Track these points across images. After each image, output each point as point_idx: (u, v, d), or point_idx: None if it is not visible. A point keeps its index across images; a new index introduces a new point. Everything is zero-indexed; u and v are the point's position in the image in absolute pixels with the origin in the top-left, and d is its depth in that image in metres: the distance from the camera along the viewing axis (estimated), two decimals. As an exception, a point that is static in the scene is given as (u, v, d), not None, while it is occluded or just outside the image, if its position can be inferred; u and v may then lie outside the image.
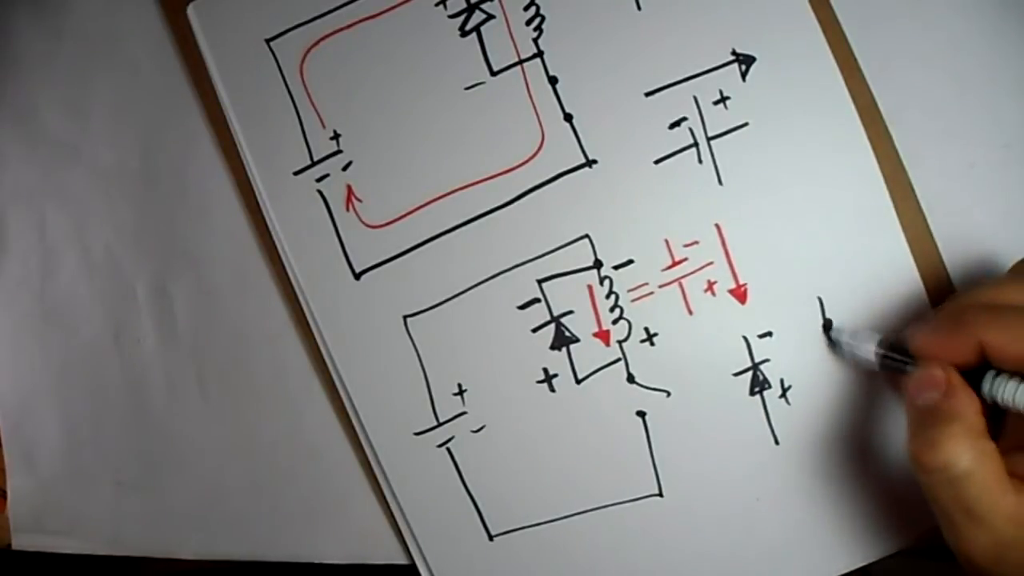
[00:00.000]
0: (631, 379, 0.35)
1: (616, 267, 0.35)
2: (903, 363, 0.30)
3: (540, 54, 0.34)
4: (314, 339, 0.37)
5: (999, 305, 0.28)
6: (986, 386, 0.27)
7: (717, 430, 0.35)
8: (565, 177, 0.35)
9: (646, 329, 0.35)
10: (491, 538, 0.37)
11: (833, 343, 0.34)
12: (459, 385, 0.36)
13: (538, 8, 0.34)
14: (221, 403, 0.39)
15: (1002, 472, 0.26)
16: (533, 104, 0.34)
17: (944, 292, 0.34)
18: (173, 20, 0.37)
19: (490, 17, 0.34)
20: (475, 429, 0.36)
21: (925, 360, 0.29)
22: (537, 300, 0.35)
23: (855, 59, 0.34)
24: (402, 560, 0.38)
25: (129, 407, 0.39)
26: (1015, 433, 0.30)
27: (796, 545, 0.36)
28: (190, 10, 0.36)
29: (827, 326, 0.34)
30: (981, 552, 0.26)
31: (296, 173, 0.36)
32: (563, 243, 0.35)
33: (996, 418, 0.28)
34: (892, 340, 0.31)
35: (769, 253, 0.34)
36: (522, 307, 0.35)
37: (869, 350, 0.32)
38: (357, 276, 0.36)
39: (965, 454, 0.25)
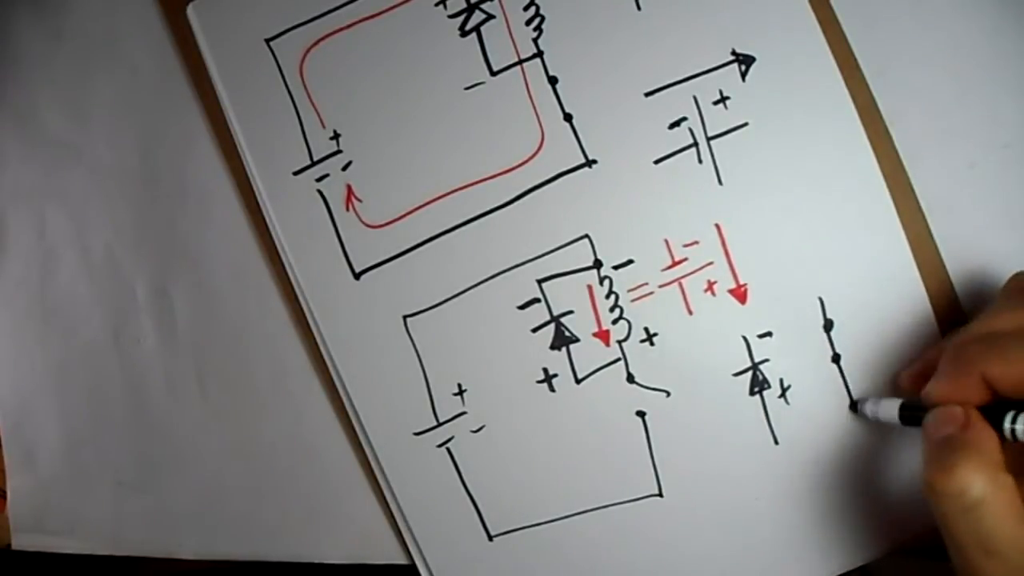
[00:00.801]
0: (631, 379, 0.35)
1: (616, 267, 0.35)
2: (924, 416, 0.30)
3: (540, 54, 0.34)
4: (314, 339, 0.37)
5: (994, 334, 0.28)
6: (1006, 423, 0.27)
7: (717, 430, 0.35)
8: (565, 177, 0.35)
9: (646, 329, 0.35)
10: (491, 538, 0.37)
11: (858, 414, 0.34)
12: (459, 385, 0.36)
13: (538, 8, 0.34)
14: (221, 403, 0.39)
15: (1018, 503, 0.25)
16: (533, 104, 0.34)
17: (945, 291, 0.34)
18: (173, 20, 0.37)
19: (490, 17, 0.34)
20: (475, 429, 0.36)
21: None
22: (537, 300, 0.35)
23: (855, 59, 0.34)
24: (402, 560, 0.38)
25: (129, 407, 0.39)
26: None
27: (795, 545, 0.36)
28: (190, 10, 0.36)
29: (854, 406, 0.34)
30: None
31: (296, 173, 0.36)
32: (563, 243, 0.35)
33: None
34: (914, 401, 0.31)
35: (769, 253, 0.34)
36: (522, 307, 0.35)
37: (892, 414, 0.32)
38: (357, 276, 0.36)
39: (980, 481, 0.25)
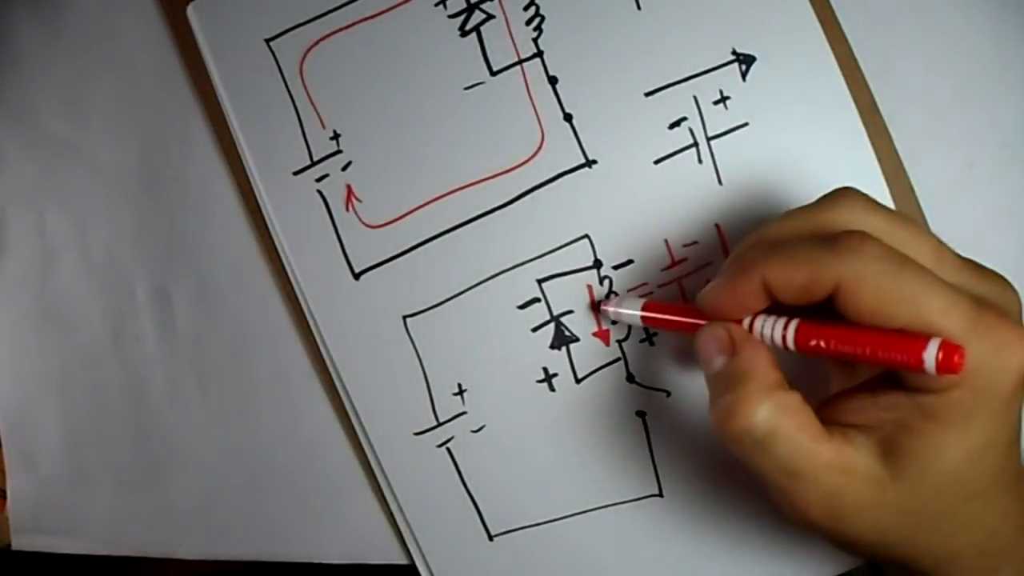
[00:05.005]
0: (631, 379, 0.35)
1: (616, 267, 0.35)
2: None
3: (540, 54, 0.34)
4: (314, 339, 0.37)
5: (779, 239, 0.26)
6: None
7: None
8: (565, 177, 0.35)
9: (646, 329, 0.35)
10: (491, 538, 0.37)
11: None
12: (459, 385, 0.36)
13: (538, 8, 0.34)
14: (221, 403, 0.39)
15: (810, 421, 0.24)
16: (533, 104, 0.34)
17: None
18: (173, 20, 0.37)
19: (490, 17, 0.34)
20: (475, 429, 0.36)
21: (716, 317, 0.27)
22: (537, 300, 0.35)
23: (855, 59, 0.34)
24: (402, 560, 0.38)
25: (129, 407, 0.39)
26: (838, 379, 0.29)
27: (796, 545, 0.36)
28: (190, 10, 0.36)
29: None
30: (816, 510, 0.25)
31: (296, 173, 0.36)
32: (563, 243, 0.35)
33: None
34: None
35: (769, 253, 0.34)
36: (522, 307, 0.35)
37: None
38: (357, 276, 0.36)
39: (763, 413, 0.24)
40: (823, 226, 0.26)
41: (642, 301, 0.31)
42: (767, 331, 0.26)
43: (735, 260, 0.27)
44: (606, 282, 0.35)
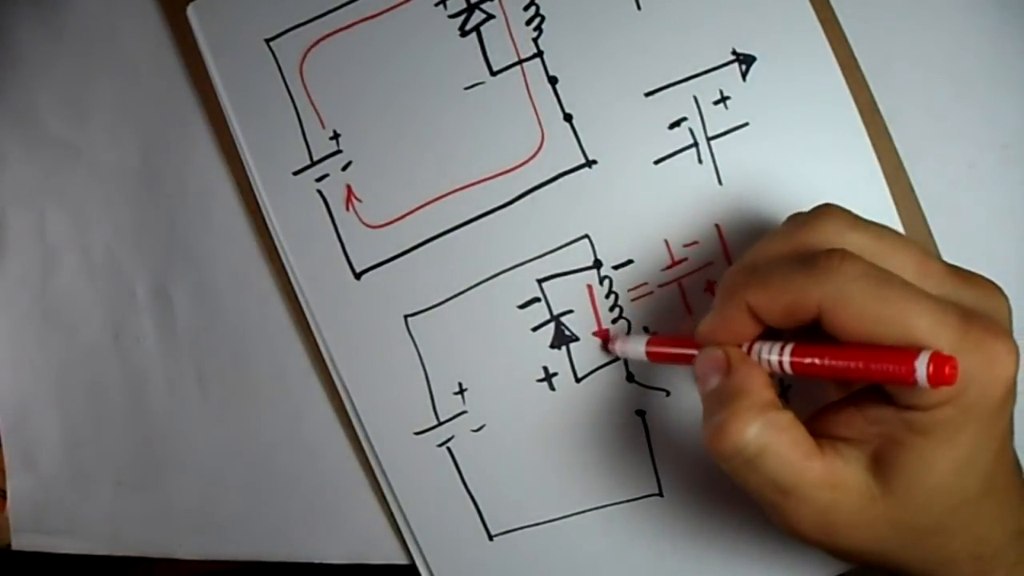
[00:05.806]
0: (631, 378, 0.35)
1: (616, 267, 0.35)
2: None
3: (540, 54, 0.34)
4: (314, 339, 0.37)
5: (760, 263, 0.26)
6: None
7: (717, 430, 0.35)
8: (565, 177, 0.35)
9: (646, 328, 0.35)
10: (491, 538, 0.37)
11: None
12: (459, 384, 0.36)
13: (538, 8, 0.34)
14: (221, 403, 0.39)
15: (801, 438, 0.24)
16: (533, 104, 0.34)
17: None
18: (173, 20, 0.37)
19: (490, 17, 0.34)
20: (475, 428, 0.36)
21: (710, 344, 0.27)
22: (537, 299, 0.35)
23: (855, 59, 0.34)
24: (402, 560, 0.38)
25: (129, 407, 0.39)
26: (833, 392, 0.29)
27: (796, 545, 0.36)
28: (190, 10, 0.36)
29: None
30: (808, 525, 0.25)
31: (296, 173, 0.36)
32: (563, 243, 0.35)
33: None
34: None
35: (769, 253, 0.34)
36: (522, 306, 0.35)
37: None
38: (357, 276, 0.36)
39: (754, 431, 0.24)
40: (803, 246, 0.25)
41: (646, 337, 0.31)
42: (764, 355, 0.26)
43: (721, 288, 0.27)
44: (606, 282, 0.35)
